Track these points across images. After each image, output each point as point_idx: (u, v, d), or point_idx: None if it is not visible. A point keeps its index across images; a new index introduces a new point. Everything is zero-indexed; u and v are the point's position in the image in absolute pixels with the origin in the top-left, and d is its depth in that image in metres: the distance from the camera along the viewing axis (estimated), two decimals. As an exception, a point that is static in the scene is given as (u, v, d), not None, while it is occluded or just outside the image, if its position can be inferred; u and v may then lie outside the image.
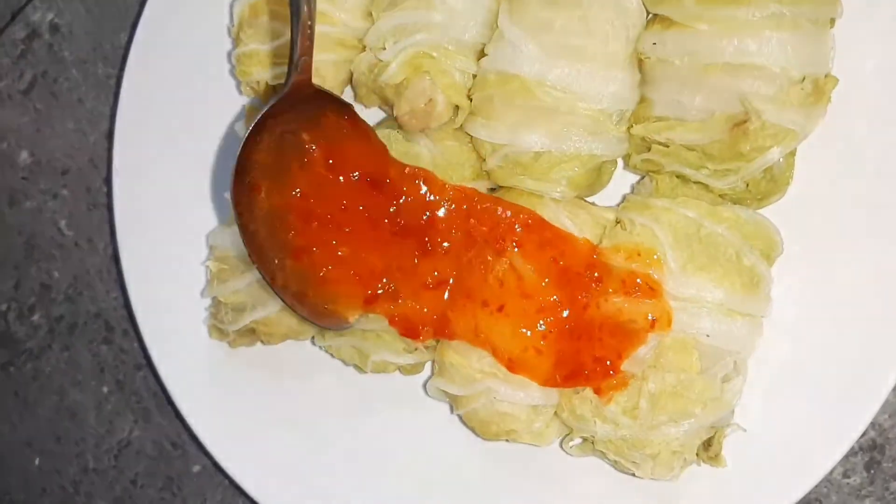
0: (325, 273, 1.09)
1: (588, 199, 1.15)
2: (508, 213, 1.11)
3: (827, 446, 1.07)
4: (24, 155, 1.48)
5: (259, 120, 1.03)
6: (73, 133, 1.46)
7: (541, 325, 1.07)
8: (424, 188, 1.12)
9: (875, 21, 1.09)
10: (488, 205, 1.12)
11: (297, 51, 1.03)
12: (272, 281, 1.07)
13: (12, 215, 1.48)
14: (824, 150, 1.09)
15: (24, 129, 1.48)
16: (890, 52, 1.09)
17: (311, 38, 1.04)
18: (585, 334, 1.04)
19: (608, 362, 1.03)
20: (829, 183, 1.10)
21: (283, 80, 1.16)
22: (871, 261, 1.09)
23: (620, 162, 1.15)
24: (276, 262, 1.07)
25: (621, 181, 1.17)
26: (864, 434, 1.11)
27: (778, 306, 1.08)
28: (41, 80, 1.47)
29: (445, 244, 1.13)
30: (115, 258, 1.38)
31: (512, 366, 1.07)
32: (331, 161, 1.08)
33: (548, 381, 1.06)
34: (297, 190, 1.07)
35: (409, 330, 1.13)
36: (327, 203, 1.08)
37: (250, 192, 1.06)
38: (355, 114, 1.09)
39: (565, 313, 1.07)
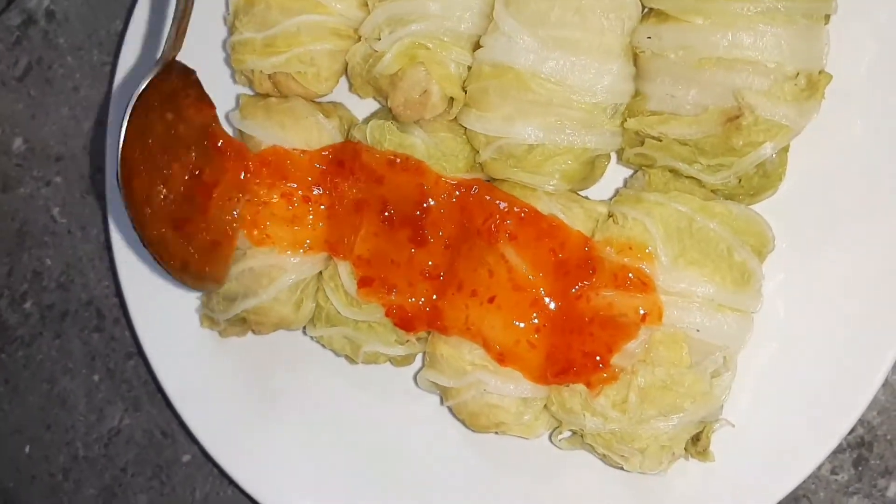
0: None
1: (581, 192, 1.15)
2: (503, 205, 1.11)
3: (815, 443, 1.07)
4: (18, 142, 1.48)
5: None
6: (68, 120, 1.46)
7: (534, 318, 1.06)
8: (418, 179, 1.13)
9: (870, 17, 1.09)
10: (484, 195, 1.12)
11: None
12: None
13: (5, 202, 1.48)
14: (817, 147, 1.08)
15: (19, 115, 1.47)
16: (884, 49, 1.09)
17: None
18: (577, 328, 1.04)
19: (598, 357, 1.03)
20: (822, 180, 1.10)
21: (278, 70, 1.17)
22: (862, 258, 1.09)
23: (614, 156, 1.15)
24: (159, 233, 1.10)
25: (614, 175, 1.17)
26: (852, 431, 1.11)
27: (768, 302, 1.08)
28: (36, 66, 1.47)
29: (439, 234, 1.13)
30: (108, 246, 1.38)
31: (502, 359, 1.07)
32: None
33: (538, 378, 1.06)
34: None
35: (404, 321, 1.13)
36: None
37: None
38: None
39: (555, 305, 1.07)
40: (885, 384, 1.09)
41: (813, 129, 1.05)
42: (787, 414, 1.09)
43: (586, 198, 1.15)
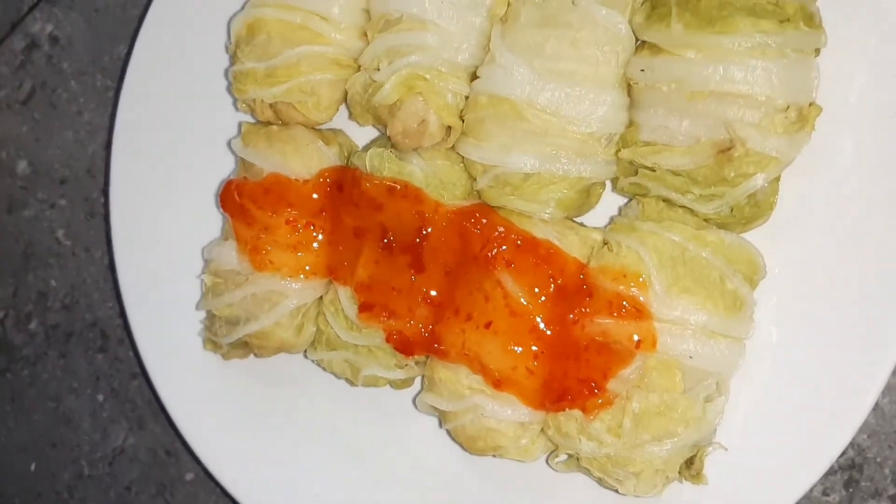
0: None
1: (577, 218, 1.17)
2: (501, 230, 1.13)
3: (807, 465, 1.09)
4: (22, 164, 1.50)
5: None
6: (72, 143, 1.48)
7: (533, 345, 1.09)
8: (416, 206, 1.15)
9: (862, 47, 1.11)
10: (482, 221, 1.14)
11: None
12: None
13: (11, 223, 1.50)
14: (809, 171, 1.10)
15: (23, 138, 1.50)
16: (875, 72, 1.11)
17: None
18: (573, 354, 1.06)
19: (593, 383, 1.05)
20: (813, 207, 1.12)
21: (279, 100, 1.19)
22: (853, 283, 1.11)
23: (609, 182, 1.17)
24: None
25: (610, 200, 1.19)
26: (843, 453, 1.13)
27: (760, 326, 1.10)
28: (40, 90, 1.49)
29: (438, 261, 1.15)
30: (112, 268, 1.40)
31: (499, 384, 1.09)
32: None
33: (535, 404, 1.08)
34: None
35: (403, 346, 1.15)
36: None
37: None
38: None
39: (552, 332, 1.09)
40: (876, 407, 1.11)
41: (804, 153, 1.06)
42: (780, 437, 1.11)
43: (582, 224, 1.17)
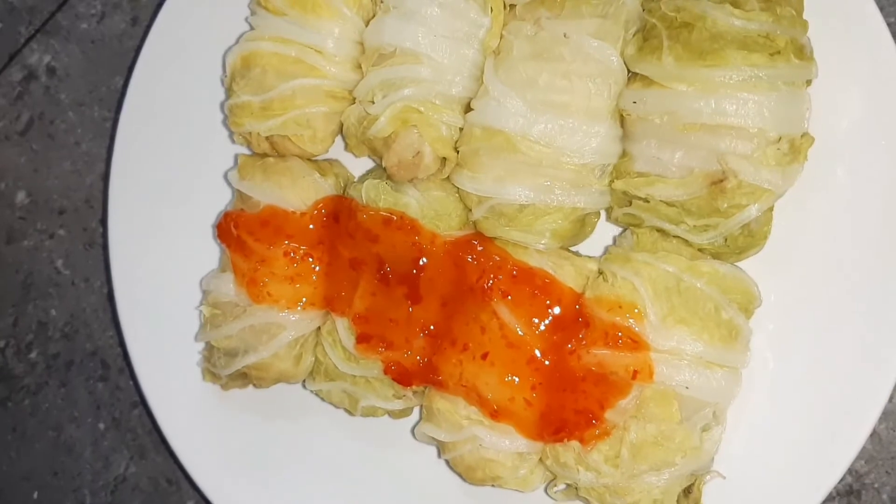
0: None
1: (572, 247, 1.18)
2: (496, 259, 1.14)
3: (805, 492, 1.10)
4: (21, 195, 1.51)
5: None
6: (70, 174, 1.49)
7: (530, 376, 1.09)
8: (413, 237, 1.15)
9: (853, 74, 1.12)
10: (478, 251, 1.15)
11: None
12: None
13: (10, 254, 1.51)
14: (803, 199, 1.11)
15: (22, 169, 1.50)
16: (867, 100, 1.12)
17: None
18: (570, 386, 1.07)
19: (591, 413, 1.06)
20: (807, 233, 1.13)
21: (275, 133, 1.20)
22: (849, 309, 1.12)
23: (603, 211, 1.18)
24: None
25: (605, 228, 1.20)
26: (841, 479, 1.13)
27: (757, 353, 1.11)
28: (38, 121, 1.50)
29: (435, 291, 1.16)
30: (111, 297, 1.40)
31: (496, 415, 1.10)
32: None
33: (532, 435, 1.09)
34: None
35: (401, 377, 1.15)
36: None
37: None
38: None
39: (549, 363, 1.09)
40: (873, 434, 1.11)
41: (798, 181, 1.07)
42: (778, 464, 1.12)
43: (577, 253, 1.17)
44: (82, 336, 1.48)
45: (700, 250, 1.09)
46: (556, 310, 1.11)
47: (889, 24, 1.11)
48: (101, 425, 1.47)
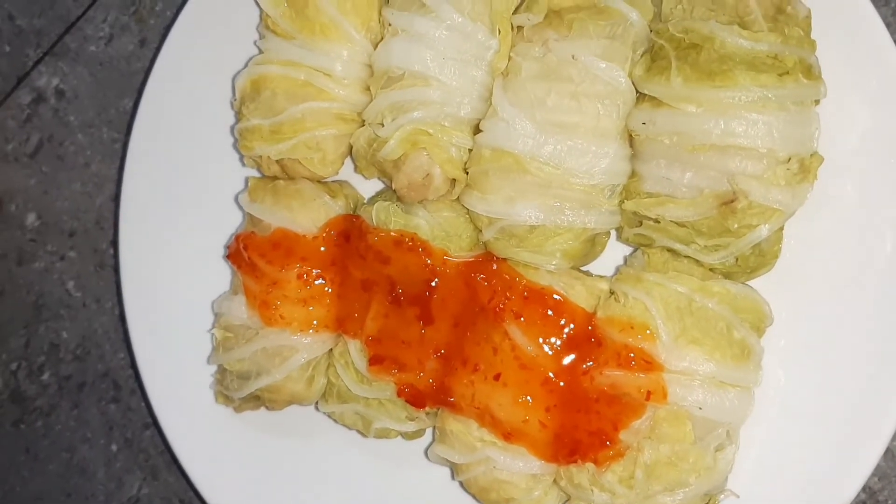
0: None
1: (582, 267, 1.18)
2: (508, 279, 1.14)
3: (819, 510, 1.10)
4: (31, 217, 1.51)
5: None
6: (80, 195, 1.49)
7: (545, 397, 1.09)
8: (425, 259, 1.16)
9: (862, 91, 1.12)
10: (490, 272, 1.15)
11: None
12: None
13: (21, 275, 1.52)
14: (811, 218, 1.11)
15: (32, 191, 1.51)
16: (876, 116, 1.12)
17: None
18: (583, 407, 1.07)
19: (605, 435, 1.06)
20: (817, 250, 1.13)
21: (285, 156, 1.20)
22: (861, 326, 1.12)
23: (613, 230, 1.18)
24: None
25: (615, 246, 1.20)
26: (854, 497, 1.13)
27: (769, 369, 1.11)
28: (47, 143, 1.50)
29: (447, 312, 1.16)
30: (122, 318, 1.41)
31: (509, 437, 1.10)
32: None
33: (546, 456, 1.09)
34: None
35: (415, 399, 1.16)
36: None
37: None
38: None
39: (563, 384, 1.10)
40: (887, 451, 1.11)
41: (808, 202, 1.07)
42: (791, 482, 1.12)
43: (588, 273, 1.18)
44: (94, 357, 1.49)
45: (711, 270, 1.09)
46: (568, 330, 1.11)
47: (896, 41, 1.11)
48: (114, 446, 1.48)
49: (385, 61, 1.15)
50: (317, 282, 1.20)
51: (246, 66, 1.23)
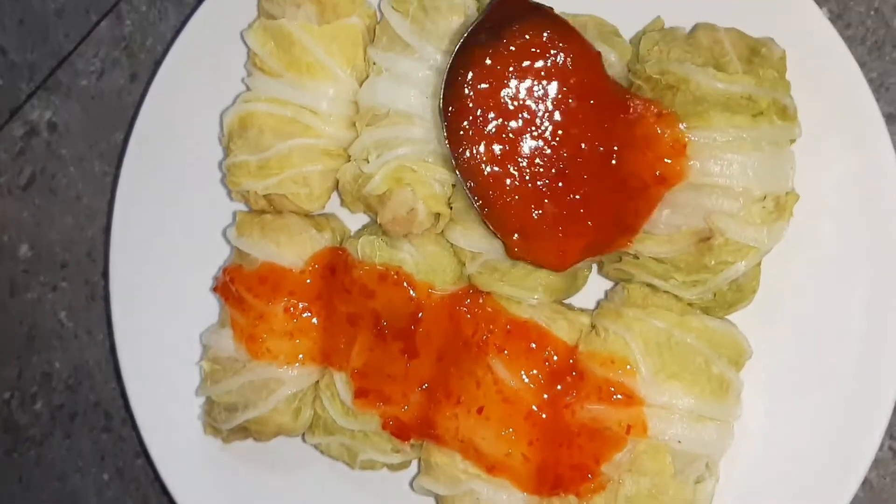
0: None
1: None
2: (491, 311, 1.16)
3: (800, 541, 1.11)
4: (24, 248, 1.53)
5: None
6: (72, 228, 1.51)
7: (528, 431, 1.10)
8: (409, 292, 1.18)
9: (838, 127, 1.13)
10: (474, 306, 1.16)
11: None
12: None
13: (14, 306, 1.53)
14: (788, 253, 1.12)
15: (24, 223, 1.53)
16: (852, 157, 1.13)
17: None
18: (565, 441, 1.09)
19: (586, 468, 1.07)
20: (796, 284, 1.15)
21: (272, 191, 1.22)
22: (841, 357, 1.13)
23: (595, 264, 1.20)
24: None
25: (597, 279, 1.22)
26: (834, 527, 1.15)
27: (747, 401, 1.12)
28: (40, 176, 1.52)
29: (430, 347, 1.17)
30: (113, 349, 1.42)
31: (492, 470, 1.11)
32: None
33: (529, 489, 1.10)
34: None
35: (400, 432, 1.17)
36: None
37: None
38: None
39: (545, 417, 1.11)
40: (865, 482, 1.12)
41: (785, 234, 1.09)
42: (771, 512, 1.13)
43: (570, 306, 1.19)
44: (86, 387, 1.50)
45: (690, 305, 1.10)
46: (550, 364, 1.13)
47: (872, 80, 1.13)
48: (106, 475, 1.49)
49: (370, 99, 1.17)
50: (303, 315, 1.22)
51: (234, 102, 1.25)
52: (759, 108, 1.02)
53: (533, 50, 1.04)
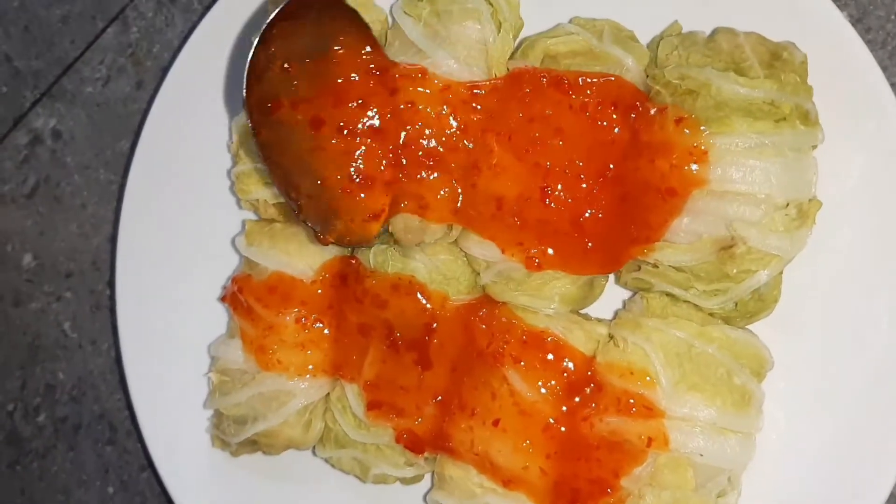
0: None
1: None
2: (506, 321, 1.14)
3: (823, 556, 1.09)
4: (28, 257, 1.51)
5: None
6: (76, 237, 1.49)
7: (546, 444, 1.08)
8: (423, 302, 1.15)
9: (859, 134, 1.11)
10: (488, 316, 1.14)
11: None
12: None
13: (17, 316, 1.51)
14: (810, 262, 1.10)
15: (28, 232, 1.51)
16: (872, 164, 1.10)
17: None
18: (584, 455, 1.06)
19: (605, 483, 1.05)
20: (817, 294, 1.12)
21: (281, 199, 1.20)
22: (862, 367, 1.11)
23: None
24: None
25: (614, 288, 1.20)
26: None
27: (768, 413, 1.09)
28: (44, 184, 1.50)
29: (444, 358, 1.15)
30: (118, 360, 1.40)
31: (508, 483, 1.09)
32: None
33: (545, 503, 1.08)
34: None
35: (414, 445, 1.15)
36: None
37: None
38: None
39: (563, 430, 1.09)
40: (891, 497, 1.10)
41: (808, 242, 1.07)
42: (793, 528, 1.10)
43: (587, 316, 1.17)
44: (90, 399, 1.48)
45: (710, 314, 1.08)
46: (567, 375, 1.10)
47: (893, 85, 1.11)
48: (110, 489, 1.46)
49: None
50: (314, 325, 1.20)
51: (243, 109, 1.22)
52: (781, 113, 1.00)
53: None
